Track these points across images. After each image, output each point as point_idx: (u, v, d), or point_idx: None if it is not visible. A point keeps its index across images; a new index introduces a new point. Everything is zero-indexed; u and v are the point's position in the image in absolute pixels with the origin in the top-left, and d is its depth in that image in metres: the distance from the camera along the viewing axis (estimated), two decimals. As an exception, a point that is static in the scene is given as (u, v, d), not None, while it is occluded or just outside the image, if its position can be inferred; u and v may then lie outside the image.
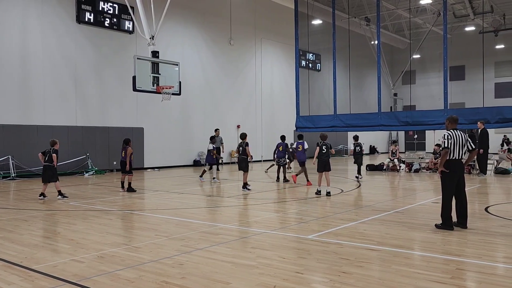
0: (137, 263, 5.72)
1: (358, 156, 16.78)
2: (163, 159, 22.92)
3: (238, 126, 26.93)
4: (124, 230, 8.21)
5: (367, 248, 6.43)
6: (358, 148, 16.98)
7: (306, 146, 15.42)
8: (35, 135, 18.09)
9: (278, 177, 15.99)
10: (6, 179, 16.76)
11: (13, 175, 16.98)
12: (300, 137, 16.23)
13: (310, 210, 9.79)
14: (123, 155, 13.23)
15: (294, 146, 16.84)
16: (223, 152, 21.52)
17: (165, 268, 5.52)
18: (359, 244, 6.63)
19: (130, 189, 13.16)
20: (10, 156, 17.06)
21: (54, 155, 11.57)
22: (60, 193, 11.71)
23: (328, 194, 11.90)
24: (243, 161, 13.11)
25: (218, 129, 20.77)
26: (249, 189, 13.07)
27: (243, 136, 13.71)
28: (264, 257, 5.99)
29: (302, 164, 15.19)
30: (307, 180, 14.85)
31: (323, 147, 12.35)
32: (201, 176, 16.20)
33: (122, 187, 13.30)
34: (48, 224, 8.37)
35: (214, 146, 16.10)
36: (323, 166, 12.26)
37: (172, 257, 6.02)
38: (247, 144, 13.16)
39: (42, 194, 11.57)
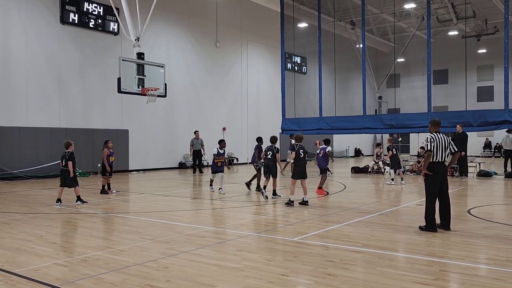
0: (122, 267, 5.66)
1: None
2: (148, 161, 22.76)
3: (224, 128, 26.90)
4: (108, 233, 8.13)
5: (352, 250, 6.47)
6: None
7: (329, 149, 13.97)
8: (18, 137, 17.81)
9: (258, 184, 13.64)
10: (-13, 182, 16.46)
11: (-6, 177, 16.68)
12: (326, 141, 14.22)
13: (295, 213, 9.81)
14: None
15: (318, 151, 15.03)
16: (204, 154, 21.45)
17: (150, 271, 5.47)
18: (344, 246, 6.67)
19: (103, 191, 13.06)
20: (-9, 158, 16.76)
21: (70, 162, 10.83)
22: (79, 198, 11.04)
23: (305, 203, 10.74)
24: (274, 166, 11.91)
25: (198, 131, 20.70)
26: (279, 195, 12.09)
27: (274, 140, 12.28)
28: (250, 259, 5.99)
29: (323, 171, 13.62)
30: (320, 188, 13.35)
31: (300, 150, 10.87)
32: (210, 185, 13.80)
33: (109, 189, 13.19)
34: (30, 227, 8.24)
35: (219, 150, 13.38)
36: (300, 173, 10.80)
37: (157, 260, 5.97)
38: (277, 150, 11.95)
39: (59, 200, 10.84)
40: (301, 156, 10.88)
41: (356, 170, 21.22)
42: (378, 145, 20.61)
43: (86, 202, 11.14)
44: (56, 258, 6.10)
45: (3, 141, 17.39)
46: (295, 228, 8.06)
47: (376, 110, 33.41)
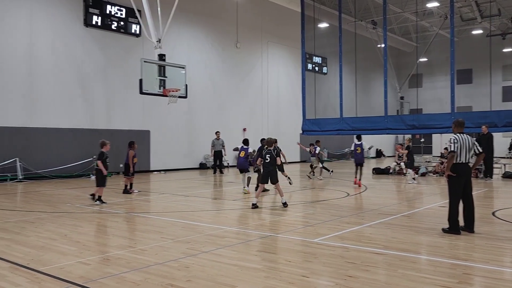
0: (143, 266, 5.73)
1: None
2: (169, 161, 22.96)
3: (244, 129, 26.96)
4: (130, 233, 8.23)
5: (373, 252, 6.40)
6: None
7: (365, 147, 15.13)
8: (42, 137, 18.20)
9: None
10: (13, 181, 16.86)
11: (20, 177, 17.08)
12: (359, 138, 15.43)
13: (315, 214, 9.76)
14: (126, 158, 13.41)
15: (352, 148, 15.91)
16: (225, 155, 21.56)
17: (171, 270, 5.52)
18: (365, 248, 6.60)
19: (125, 191, 13.28)
20: (17, 159, 17.17)
21: (99, 162, 10.90)
22: (99, 198, 11.05)
23: (284, 205, 10.38)
24: (274, 171, 10.70)
25: (219, 132, 20.76)
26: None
27: (271, 142, 10.98)
28: (270, 260, 5.98)
29: (360, 166, 15.01)
30: (359, 180, 14.95)
31: (267, 155, 10.52)
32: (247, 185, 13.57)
33: (131, 188, 13.39)
34: (55, 226, 8.41)
35: (249, 149, 13.54)
36: (267, 177, 10.52)
37: (177, 259, 6.02)
38: (277, 153, 10.84)
39: (97, 197, 11.06)
40: (267, 160, 10.49)
41: (377, 171, 21.00)
42: (400, 145, 20.35)
43: (106, 203, 11.15)
44: (79, 256, 6.21)
45: (29, 141, 17.80)
46: (315, 229, 8.02)
47: (398, 111, 33.02)
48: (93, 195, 11.29)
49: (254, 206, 10.42)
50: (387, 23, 17.38)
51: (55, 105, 18.73)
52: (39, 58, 18.29)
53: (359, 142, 15.44)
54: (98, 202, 11.05)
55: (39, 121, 18.25)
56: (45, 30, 18.49)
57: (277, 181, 10.56)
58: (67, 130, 18.97)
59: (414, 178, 16.46)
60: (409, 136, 22.34)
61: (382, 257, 6.15)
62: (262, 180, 10.80)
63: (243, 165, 13.45)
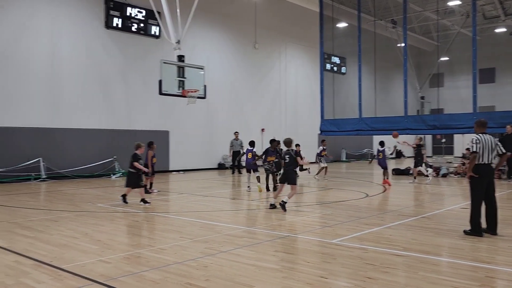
0: (162, 265, 5.79)
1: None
2: (188, 161, 23.13)
3: (263, 130, 26.97)
4: (149, 232, 8.33)
5: (393, 253, 6.34)
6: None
7: (387, 153, 16.07)
8: (64, 137, 18.55)
9: (267, 187, 13.77)
10: (37, 181, 17.22)
11: (43, 176, 17.43)
12: (381, 143, 16.18)
13: (334, 214, 9.71)
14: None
15: (375, 153, 16.87)
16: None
17: (190, 270, 5.57)
18: (384, 250, 6.54)
19: (146, 191, 13.34)
20: (40, 158, 17.53)
21: (135, 163, 10.88)
22: (124, 198, 11.09)
23: (283, 206, 9.98)
24: (292, 172, 10.41)
25: (238, 132, 20.80)
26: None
27: (289, 142, 10.84)
28: (288, 260, 5.98)
29: (385, 168, 15.98)
30: (386, 179, 15.94)
31: (286, 156, 10.38)
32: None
33: (151, 188, 13.55)
34: (77, 225, 8.56)
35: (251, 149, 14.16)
36: (285, 178, 10.38)
37: (196, 259, 6.07)
38: (296, 153, 10.57)
39: (123, 196, 11.14)
40: (286, 161, 10.35)
41: (397, 172, 20.76)
42: (421, 146, 20.08)
43: (149, 202, 11.05)
44: (100, 255, 6.31)
45: (51, 141, 18.15)
46: (334, 230, 7.98)
47: (418, 111, 32.58)
48: (143, 200, 11.04)
49: (272, 206, 10.38)
50: (407, 22, 17.19)
51: (76, 106, 19.06)
52: (61, 60, 18.64)
53: (382, 148, 16.07)
54: (141, 203, 10.87)
55: (62, 121, 18.60)
56: (67, 33, 18.83)
57: (295, 183, 10.34)
58: (88, 130, 19.29)
59: (427, 176, 16.49)
60: (421, 136, 22.14)
61: (402, 259, 6.09)
62: (281, 180, 10.73)
63: (251, 165, 13.97)
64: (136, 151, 11.18)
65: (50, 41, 18.35)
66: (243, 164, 16.70)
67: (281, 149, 12.82)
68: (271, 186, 13.72)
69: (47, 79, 18.22)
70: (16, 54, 17.39)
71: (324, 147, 18.16)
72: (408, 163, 25.31)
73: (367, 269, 5.56)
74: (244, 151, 14.28)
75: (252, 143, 14.42)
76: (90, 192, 14.05)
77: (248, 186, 14.18)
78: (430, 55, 35.77)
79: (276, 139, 13.83)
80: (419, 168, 16.98)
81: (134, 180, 11.05)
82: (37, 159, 17.47)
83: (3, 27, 17.06)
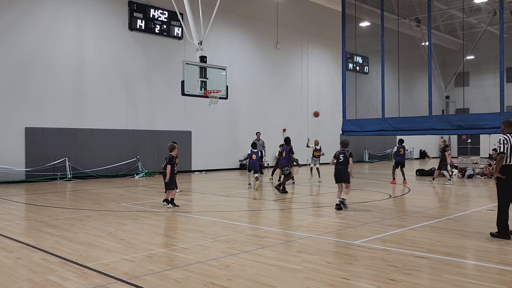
0: (185, 264, 5.84)
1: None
2: (210, 162, 23.27)
3: (284, 130, 26.93)
4: (172, 231, 8.41)
5: (417, 255, 6.24)
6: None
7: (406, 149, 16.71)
8: (90, 138, 18.90)
9: (284, 188, 13.56)
10: (63, 180, 17.60)
11: (69, 176, 17.80)
12: (400, 141, 16.92)
13: (356, 215, 9.63)
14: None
15: (395, 149, 17.53)
16: (265, 156, 21.56)
17: (212, 269, 5.60)
18: (408, 251, 6.45)
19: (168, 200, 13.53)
20: (66, 158, 17.91)
21: (169, 166, 10.69)
22: (171, 201, 10.81)
23: (341, 204, 10.31)
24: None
25: (259, 132, 20.79)
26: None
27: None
28: (310, 261, 5.96)
29: (402, 165, 16.78)
30: (404, 179, 16.57)
31: (341, 155, 10.52)
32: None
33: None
34: (101, 223, 8.71)
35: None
36: (339, 177, 10.52)
37: (218, 258, 6.10)
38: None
39: (166, 200, 10.93)
40: (340, 160, 10.47)
41: (421, 173, 20.45)
42: (446, 146, 19.73)
43: (178, 205, 10.84)
44: (124, 253, 6.40)
45: (77, 142, 18.52)
46: (356, 231, 7.91)
47: (443, 110, 32.02)
48: (166, 200, 11.00)
49: (339, 207, 10.31)
50: (431, 20, 16.90)
51: (101, 107, 19.41)
52: (86, 62, 19.00)
53: (402, 145, 17.02)
54: (170, 205, 10.75)
55: (86, 122, 18.96)
56: (92, 35, 19.19)
57: (349, 181, 10.54)
58: (112, 131, 19.62)
59: (449, 179, 16.66)
60: (444, 138, 21.85)
61: (426, 260, 5.99)
62: (337, 180, 10.66)
63: (255, 166, 14.78)
64: (172, 153, 10.93)
65: (75, 43, 18.73)
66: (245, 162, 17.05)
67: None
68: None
69: (72, 80, 18.61)
70: (43, 56, 17.82)
71: (317, 146, 18.06)
72: (433, 164, 24.89)
73: (390, 271, 5.49)
74: (254, 151, 15.00)
75: (254, 145, 15.33)
76: (114, 192, 14.29)
77: (249, 184, 15.30)
78: (455, 54, 35.10)
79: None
80: (443, 172, 16.88)
81: (171, 182, 10.79)
82: (63, 159, 17.85)
83: (30, 30, 17.50)
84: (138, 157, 20.00)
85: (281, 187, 13.35)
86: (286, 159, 13.54)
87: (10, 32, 17.02)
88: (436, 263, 5.88)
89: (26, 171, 17.16)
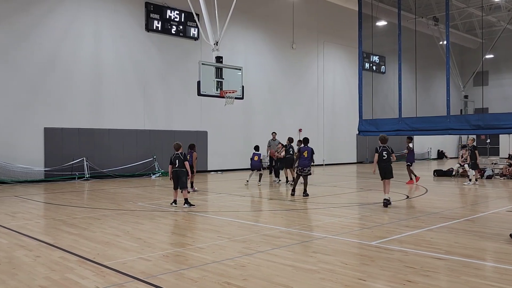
0: (201, 263, 5.87)
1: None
2: (225, 162, 23.33)
3: (300, 130, 26.86)
4: (188, 231, 8.45)
5: (434, 256, 6.17)
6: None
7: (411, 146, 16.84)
8: (107, 138, 19.13)
9: (294, 190, 13.19)
10: (81, 180, 17.84)
11: (87, 176, 18.04)
12: (409, 138, 17.13)
13: (373, 216, 9.55)
14: (188, 158, 13.73)
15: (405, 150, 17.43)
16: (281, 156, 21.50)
17: (227, 269, 5.62)
18: (425, 252, 6.38)
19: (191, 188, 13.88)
20: (84, 158, 18.15)
21: (186, 163, 10.81)
22: (186, 201, 10.84)
23: (387, 203, 10.73)
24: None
25: (275, 133, 20.79)
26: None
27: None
28: (326, 262, 5.93)
29: (411, 164, 16.80)
30: (411, 178, 16.45)
31: (384, 152, 10.93)
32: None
33: (191, 187, 13.94)
34: (118, 223, 8.81)
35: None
36: (383, 173, 10.94)
37: (234, 258, 6.11)
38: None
39: (175, 201, 11.00)
40: (384, 157, 10.94)
41: (439, 173, 20.19)
42: (464, 147, 19.46)
43: (194, 205, 10.90)
44: (141, 252, 6.46)
45: (94, 142, 18.76)
46: (373, 232, 7.85)
47: (461, 110, 31.55)
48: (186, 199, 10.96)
49: (388, 203, 10.71)
50: (449, 19, 16.67)
51: (118, 107, 19.62)
52: (104, 63, 19.24)
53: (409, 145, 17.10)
54: (186, 205, 10.75)
55: (104, 122, 19.19)
56: (109, 37, 19.42)
57: (392, 177, 10.97)
58: (129, 131, 19.82)
59: (471, 180, 16.24)
60: (473, 136, 21.38)
61: (444, 262, 5.92)
62: (382, 176, 11.04)
63: (256, 166, 16.17)
64: (178, 151, 10.98)
65: (93, 45, 18.97)
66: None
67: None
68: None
69: (90, 81, 18.85)
70: (62, 58, 18.09)
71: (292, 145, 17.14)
72: (451, 164, 24.55)
73: (407, 272, 5.44)
74: (256, 153, 16.25)
75: (257, 148, 16.50)
76: (131, 191, 14.43)
77: (247, 181, 16.44)
78: (474, 53, 34.57)
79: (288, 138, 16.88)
80: (468, 171, 16.58)
81: (186, 179, 10.91)
82: (81, 158, 18.10)
83: (49, 33, 17.78)
84: (155, 157, 20.15)
85: (304, 191, 12.82)
86: (308, 159, 13.03)
87: (30, 35, 17.32)
88: (454, 264, 5.80)
89: (45, 170, 17.44)
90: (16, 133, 16.95)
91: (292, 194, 12.94)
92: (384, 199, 10.81)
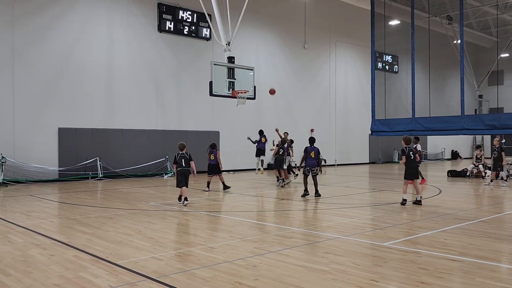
0: (212, 263, 5.88)
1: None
2: (237, 161, 23.35)
3: (312, 130, 26.78)
4: (200, 231, 8.48)
5: (448, 258, 6.10)
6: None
7: (419, 147, 16.27)
8: (120, 138, 19.28)
9: (306, 190, 12.98)
10: (94, 179, 18.00)
11: (100, 175, 18.20)
12: (416, 139, 16.87)
13: (385, 217, 9.48)
14: (212, 158, 14.30)
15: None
16: (292, 156, 21.48)
17: (239, 269, 5.62)
18: (439, 254, 6.31)
19: (226, 187, 14.46)
20: (97, 158, 18.32)
21: (192, 162, 11.13)
22: (180, 198, 11.27)
23: (418, 202, 11.12)
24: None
25: (287, 133, 20.74)
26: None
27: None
28: (338, 262, 5.90)
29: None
30: (422, 178, 16.03)
31: (410, 153, 11.43)
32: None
33: (208, 186, 14.38)
34: (131, 222, 8.86)
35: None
36: (412, 174, 11.31)
37: (245, 258, 6.11)
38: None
39: (182, 198, 11.17)
40: (412, 158, 11.36)
41: (453, 174, 19.97)
42: (478, 147, 19.23)
43: (188, 201, 11.13)
44: (153, 252, 6.50)
45: (108, 142, 18.92)
46: (385, 233, 7.79)
47: (476, 110, 31.19)
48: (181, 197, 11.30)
49: (419, 201, 11.14)
50: (464, 17, 16.48)
51: (131, 108, 19.76)
52: (117, 64, 19.40)
53: (415, 145, 16.59)
54: (186, 202, 11.02)
55: (117, 122, 19.35)
56: (122, 37, 19.57)
57: (418, 177, 11.51)
58: (141, 131, 19.95)
59: (492, 181, 15.93)
60: (497, 138, 21.12)
61: (458, 264, 5.85)
62: (410, 177, 11.35)
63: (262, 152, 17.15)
64: (183, 151, 11.22)
65: (106, 46, 19.14)
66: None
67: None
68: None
69: (103, 82, 19.02)
70: (75, 58, 18.28)
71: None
72: (465, 164, 24.27)
73: (421, 274, 5.38)
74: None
75: (261, 132, 17.73)
76: (143, 191, 14.52)
77: (258, 169, 17.50)
78: (488, 52, 34.15)
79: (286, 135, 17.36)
80: (501, 173, 16.29)
81: (186, 177, 11.18)
82: (95, 158, 18.27)
83: (63, 33, 17.98)
84: (167, 157, 20.25)
85: (316, 192, 12.77)
86: (315, 159, 12.99)
87: (44, 36, 17.54)
88: (469, 266, 5.73)
89: (59, 170, 17.64)
90: (31, 133, 17.18)
91: (304, 195, 12.79)
92: (417, 200, 11.25)
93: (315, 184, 12.87)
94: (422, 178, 16.50)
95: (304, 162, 13.03)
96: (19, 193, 13.96)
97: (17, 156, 16.72)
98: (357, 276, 5.30)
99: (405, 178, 11.39)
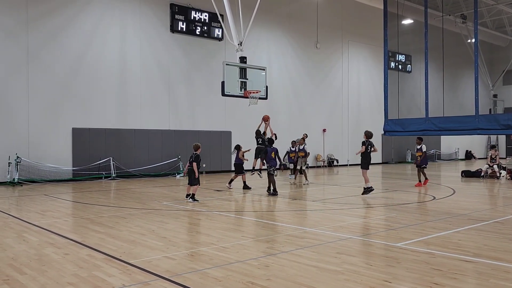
0: (225, 263, 5.90)
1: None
2: (250, 162, 23.32)
3: (324, 130, 26.70)
4: (212, 230, 8.50)
5: (462, 259, 6.04)
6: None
7: (424, 148, 16.23)
8: (133, 138, 19.43)
9: (275, 189, 13.60)
10: (107, 179, 18.17)
11: (113, 175, 18.36)
12: (420, 139, 16.93)
13: (398, 217, 9.42)
14: (239, 157, 15.17)
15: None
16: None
17: (251, 269, 5.63)
18: (452, 255, 6.25)
19: (246, 187, 14.86)
20: (111, 158, 18.48)
21: (194, 163, 11.62)
22: (192, 196, 11.73)
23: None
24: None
25: (306, 134, 20.69)
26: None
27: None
28: (350, 263, 5.88)
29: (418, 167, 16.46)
30: (426, 179, 16.04)
31: (369, 146, 12.90)
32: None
33: (230, 183, 15.16)
34: (144, 222, 8.93)
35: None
36: (369, 164, 12.88)
37: (257, 258, 6.12)
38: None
39: (188, 195, 11.92)
40: (369, 151, 12.69)
41: (467, 174, 19.76)
42: (493, 147, 18.99)
43: (198, 200, 11.72)
44: (166, 251, 6.54)
45: (121, 142, 19.08)
46: (398, 233, 7.74)
47: (490, 110, 30.77)
48: (188, 194, 12.00)
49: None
50: (478, 16, 16.29)
51: (144, 108, 19.91)
52: (129, 64, 19.55)
53: (419, 146, 16.52)
54: (190, 200, 11.68)
55: (130, 122, 19.50)
56: (135, 38, 19.72)
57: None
58: (154, 131, 20.08)
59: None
60: None
61: (472, 265, 5.79)
62: (364, 166, 12.38)
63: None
64: (197, 152, 11.86)
65: (119, 47, 19.31)
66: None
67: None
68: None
69: (116, 82, 19.19)
70: (89, 59, 18.47)
71: (300, 146, 17.55)
72: (479, 164, 23.99)
73: (434, 275, 5.34)
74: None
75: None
76: (156, 191, 14.61)
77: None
78: (504, 51, 33.67)
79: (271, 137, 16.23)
80: (496, 169, 16.23)
81: (194, 178, 11.71)
82: (108, 158, 18.43)
83: (76, 35, 18.18)
84: (179, 157, 20.35)
85: (274, 190, 13.49)
86: (275, 159, 14.26)
87: (58, 37, 17.75)
88: (483, 267, 5.67)
89: (73, 170, 17.83)
90: (46, 133, 17.40)
91: (273, 194, 13.34)
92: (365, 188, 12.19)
93: (273, 183, 13.52)
94: (426, 178, 16.31)
95: (267, 162, 13.91)
96: (34, 192, 14.15)
97: (32, 156, 16.95)
98: (370, 277, 5.28)
99: (362, 168, 12.68)
